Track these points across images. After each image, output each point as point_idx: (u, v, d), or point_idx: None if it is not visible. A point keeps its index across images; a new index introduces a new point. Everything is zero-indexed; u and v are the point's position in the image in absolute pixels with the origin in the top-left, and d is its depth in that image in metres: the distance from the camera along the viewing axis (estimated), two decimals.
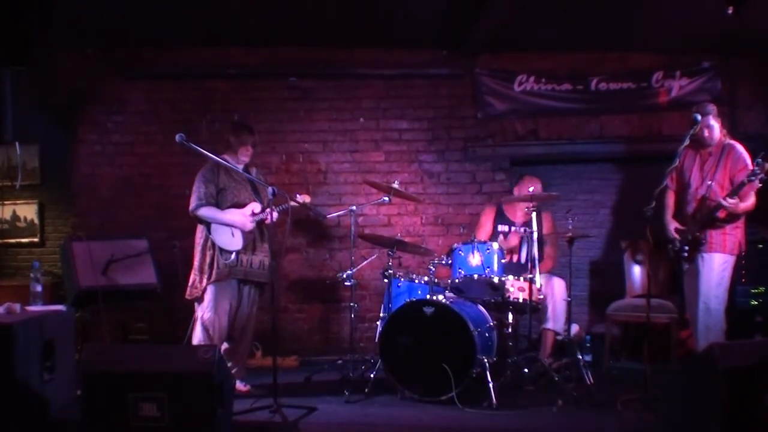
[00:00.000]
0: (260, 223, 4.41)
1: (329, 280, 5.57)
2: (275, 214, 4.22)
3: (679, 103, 5.73)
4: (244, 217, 4.32)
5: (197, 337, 4.31)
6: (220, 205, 4.37)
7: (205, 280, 4.31)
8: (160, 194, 5.67)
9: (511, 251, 4.95)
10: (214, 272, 4.29)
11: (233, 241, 4.32)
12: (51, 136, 5.75)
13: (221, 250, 4.32)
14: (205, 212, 4.34)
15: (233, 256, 4.31)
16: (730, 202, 4.11)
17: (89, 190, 5.75)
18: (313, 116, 5.84)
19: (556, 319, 4.79)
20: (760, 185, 4.08)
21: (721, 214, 4.23)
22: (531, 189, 4.79)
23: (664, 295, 5.16)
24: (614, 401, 3.98)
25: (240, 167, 4.39)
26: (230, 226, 4.33)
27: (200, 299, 4.34)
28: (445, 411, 3.97)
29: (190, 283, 4.40)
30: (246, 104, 5.80)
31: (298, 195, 4.36)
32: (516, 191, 5.14)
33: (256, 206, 4.35)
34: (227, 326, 4.34)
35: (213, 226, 4.35)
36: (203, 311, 4.31)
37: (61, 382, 3.71)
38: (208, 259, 4.33)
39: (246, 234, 4.34)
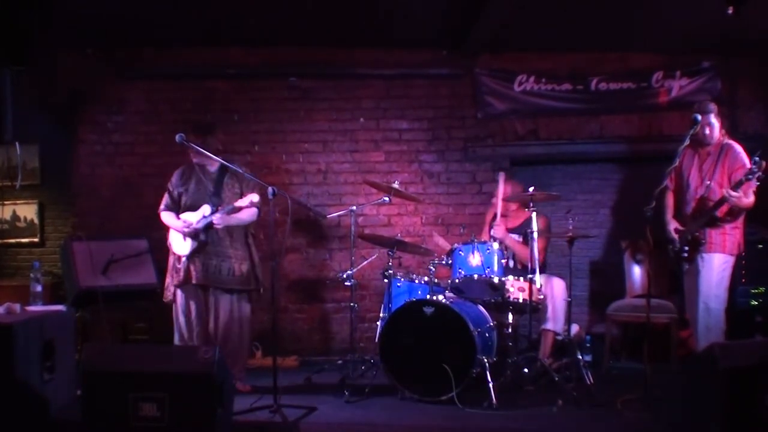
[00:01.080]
0: (210, 227, 4.27)
1: (329, 280, 5.57)
2: (216, 217, 4.19)
3: (679, 103, 5.73)
4: (182, 224, 4.30)
5: (174, 340, 4.37)
6: (180, 209, 4.40)
7: (171, 285, 4.36)
8: (160, 194, 5.61)
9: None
10: (174, 275, 4.34)
11: (183, 246, 4.32)
12: (51, 136, 5.75)
13: (177, 254, 4.36)
14: (163, 218, 4.43)
15: (184, 260, 4.31)
16: (733, 194, 4.09)
17: (89, 190, 5.75)
18: (313, 116, 5.84)
19: (555, 319, 4.79)
20: (758, 183, 4.09)
21: (722, 210, 4.22)
22: (531, 189, 4.72)
23: (664, 295, 5.16)
24: (614, 401, 3.98)
25: (212, 168, 4.38)
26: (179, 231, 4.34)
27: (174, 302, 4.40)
28: (445, 411, 3.97)
29: (165, 285, 4.46)
30: (246, 104, 5.80)
31: (248, 196, 4.22)
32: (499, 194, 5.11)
33: (206, 209, 4.28)
34: (200, 330, 4.32)
35: (170, 232, 4.41)
36: (175, 315, 4.37)
37: (61, 382, 3.71)
38: (171, 263, 4.39)
39: (193, 239, 4.28)
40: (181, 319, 4.34)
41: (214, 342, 4.32)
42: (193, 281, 4.28)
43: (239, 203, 4.17)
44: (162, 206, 4.47)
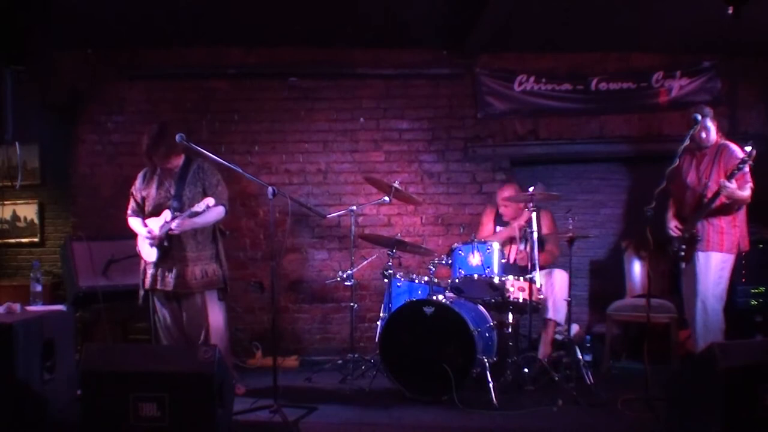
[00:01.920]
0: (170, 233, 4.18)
1: (329, 280, 5.57)
2: (175, 223, 4.08)
3: (679, 103, 5.72)
4: (147, 233, 4.21)
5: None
6: (144, 214, 4.32)
7: (141, 289, 4.31)
8: None
9: (503, 244, 4.91)
10: (145, 280, 4.27)
11: (150, 253, 4.24)
12: (51, 136, 5.74)
13: (145, 261, 4.30)
14: (130, 224, 4.34)
15: (151, 266, 4.24)
16: (728, 184, 4.13)
17: (89, 190, 5.75)
18: (313, 116, 5.84)
19: (556, 309, 4.77)
20: (750, 184, 4.20)
21: (720, 201, 4.23)
22: (531, 189, 4.72)
23: (664, 295, 5.16)
24: (614, 401, 3.99)
25: (175, 168, 4.27)
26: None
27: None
28: (445, 411, 3.97)
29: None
30: (246, 104, 5.80)
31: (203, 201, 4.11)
32: (498, 198, 5.13)
33: (167, 214, 4.19)
34: (178, 334, 4.28)
35: (138, 237, 4.32)
36: (155, 320, 4.31)
37: (61, 382, 3.71)
38: (142, 267, 4.33)
39: (158, 247, 4.20)
40: (159, 325, 4.30)
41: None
42: (158, 286, 4.21)
43: (196, 208, 4.06)
44: (129, 211, 4.36)
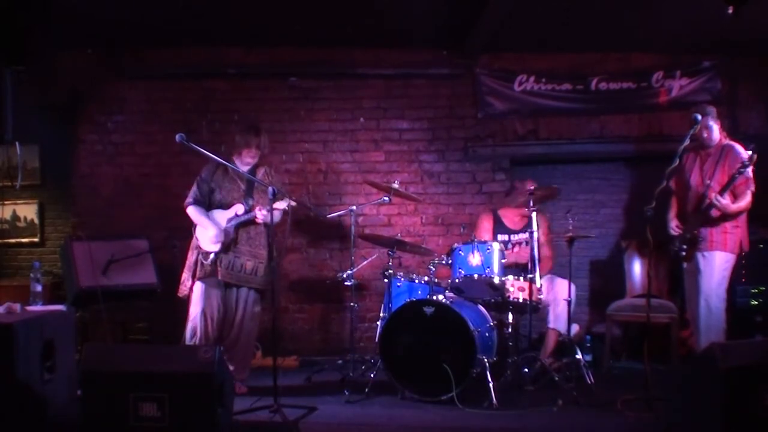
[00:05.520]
0: (246, 225, 4.32)
1: (329, 280, 5.56)
2: (263, 213, 4.23)
3: (679, 103, 5.73)
4: (216, 226, 4.28)
5: (186, 335, 4.32)
6: (210, 206, 4.38)
7: (191, 279, 4.32)
8: (160, 194, 5.67)
9: (516, 263, 4.87)
10: (198, 270, 4.30)
11: (213, 243, 4.30)
12: (51, 136, 5.75)
13: (204, 250, 4.32)
14: (191, 211, 4.38)
15: (212, 256, 4.28)
16: (721, 201, 4.15)
17: (89, 190, 5.75)
18: (314, 116, 5.84)
19: (558, 318, 4.76)
20: (752, 190, 4.20)
21: (715, 213, 4.25)
22: (531, 187, 4.66)
23: (664, 295, 5.16)
24: (614, 401, 3.98)
25: (244, 168, 4.37)
26: (210, 228, 4.31)
27: (189, 297, 4.35)
28: (445, 411, 3.97)
29: (181, 281, 4.41)
30: (246, 104, 5.80)
31: (286, 200, 4.25)
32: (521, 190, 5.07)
33: (239, 208, 4.31)
34: (216, 325, 4.28)
35: (197, 226, 4.38)
36: (191, 308, 4.32)
37: (61, 382, 3.70)
38: (194, 257, 4.35)
39: (226, 236, 4.28)
40: (194, 312, 4.27)
41: (226, 338, 4.33)
42: (219, 277, 4.27)
43: (277, 205, 4.16)
44: (189, 199, 4.40)
